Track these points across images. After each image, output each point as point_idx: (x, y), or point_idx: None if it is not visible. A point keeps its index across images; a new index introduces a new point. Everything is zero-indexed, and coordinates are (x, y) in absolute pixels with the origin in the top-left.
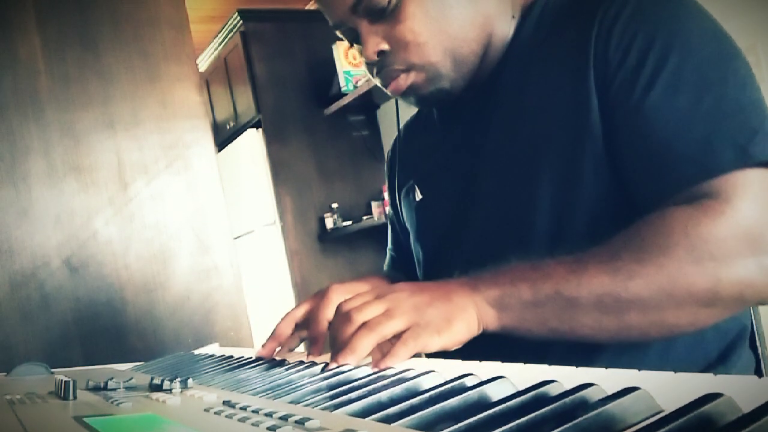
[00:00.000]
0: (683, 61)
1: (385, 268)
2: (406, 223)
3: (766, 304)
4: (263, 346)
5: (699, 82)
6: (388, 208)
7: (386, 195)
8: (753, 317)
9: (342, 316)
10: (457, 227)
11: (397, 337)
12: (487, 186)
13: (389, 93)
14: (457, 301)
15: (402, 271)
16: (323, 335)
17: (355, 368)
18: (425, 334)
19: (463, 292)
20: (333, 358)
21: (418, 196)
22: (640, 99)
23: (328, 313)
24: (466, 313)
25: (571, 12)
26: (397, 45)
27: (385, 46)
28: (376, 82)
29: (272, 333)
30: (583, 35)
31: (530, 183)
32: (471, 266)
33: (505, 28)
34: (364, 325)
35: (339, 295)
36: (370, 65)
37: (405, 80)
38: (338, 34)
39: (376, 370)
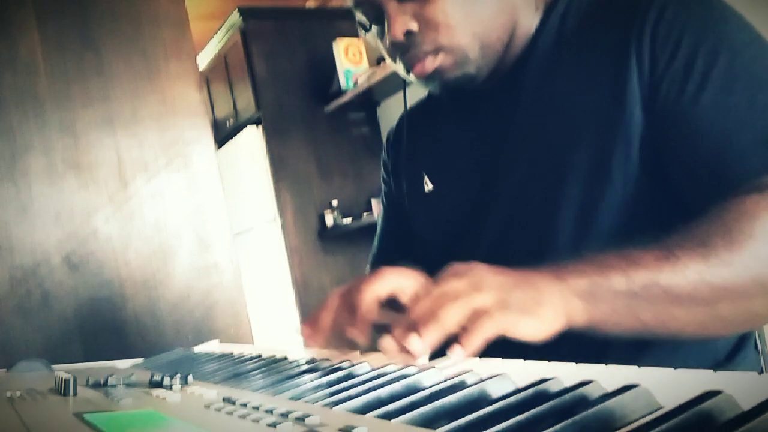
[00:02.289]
0: (733, 60)
1: (370, 262)
2: (410, 213)
3: None
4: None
5: (751, 79)
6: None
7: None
8: None
9: (423, 294)
10: (475, 220)
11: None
12: (508, 180)
13: (413, 76)
14: (544, 288)
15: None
16: (364, 317)
17: (355, 364)
18: (513, 313)
19: (548, 280)
20: (409, 332)
21: (428, 187)
22: (694, 97)
23: (377, 287)
24: (555, 301)
25: (601, 9)
26: (427, 26)
27: (414, 26)
28: (398, 67)
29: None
30: (620, 34)
31: (556, 179)
32: (490, 261)
33: (528, 20)
34: (447, 297)
35: (393, 274)
36: (393, 47)
37: (432, 62)
38: (358, 15)
39: (377, 366)
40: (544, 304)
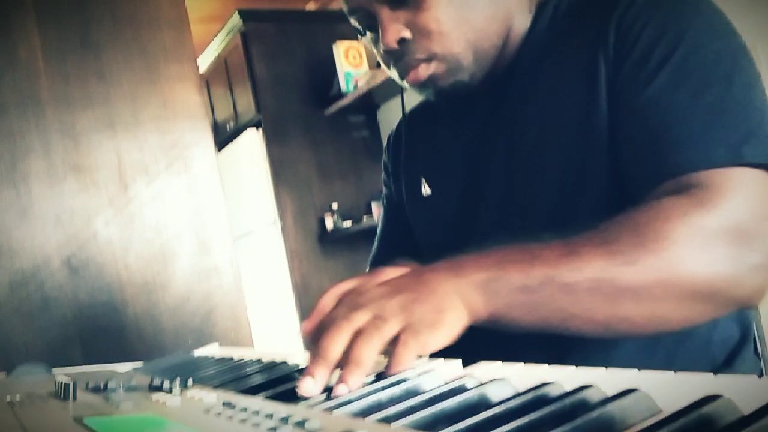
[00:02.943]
0: (690, 54)
1: (370, 263)
2: (410, 217)
3: (751, 305)
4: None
5: (704, 76)
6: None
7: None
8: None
9: (328, 329)
10: (469, 225)
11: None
12: (497, 184)
13: (407, 84)
14: (441, 291)
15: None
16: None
17: None
18: (422, 332)
19: (445, 278)
20: (340, 379)
21: (426, 191)
22: (642, 88)
23: (336, 290)
24: (454, 301)
25: (585, 9)
26: (420, 33)
27: (407, 34)
28: (392, 73)
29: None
30: (593, 30)
31: (538, 181)
32: None
33: (522, 23)
34: (357, 334)
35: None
36: (387, 54)
37: (425, 70)
38: (352, 21)
39: (376, 371)
40: (446, 310)
